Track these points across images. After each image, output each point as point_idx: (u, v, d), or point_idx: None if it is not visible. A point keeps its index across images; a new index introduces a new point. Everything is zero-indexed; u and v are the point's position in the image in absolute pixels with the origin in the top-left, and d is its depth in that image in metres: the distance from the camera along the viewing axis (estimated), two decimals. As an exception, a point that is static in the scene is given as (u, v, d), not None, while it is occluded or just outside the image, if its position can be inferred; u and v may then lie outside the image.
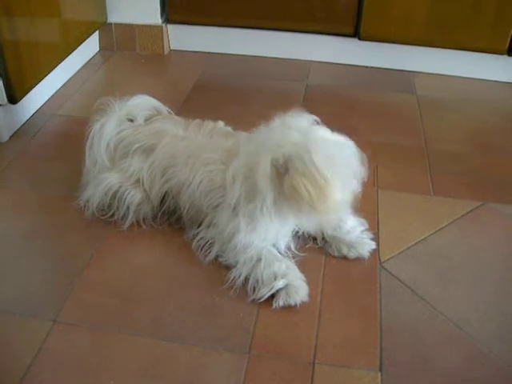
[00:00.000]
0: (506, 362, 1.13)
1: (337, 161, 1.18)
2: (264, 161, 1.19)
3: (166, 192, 1.41)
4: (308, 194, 1.15)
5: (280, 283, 1.23)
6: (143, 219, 1.44)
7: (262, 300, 1.24)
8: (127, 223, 1.43)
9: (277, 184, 1.19)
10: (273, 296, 1.24)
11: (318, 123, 1.26)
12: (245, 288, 1.26)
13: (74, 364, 1.11)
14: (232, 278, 1.27)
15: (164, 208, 1.43)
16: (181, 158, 1.37)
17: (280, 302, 1.23)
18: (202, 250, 1.34)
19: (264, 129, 1.26)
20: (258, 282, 1.25)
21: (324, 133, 1.22)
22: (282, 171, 1.18)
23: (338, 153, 1.19)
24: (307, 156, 1.15)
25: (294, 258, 1.33)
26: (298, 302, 1.23)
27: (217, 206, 1.32)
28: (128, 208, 1.42)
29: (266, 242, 1.30)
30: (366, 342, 1.17)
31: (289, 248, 1.34)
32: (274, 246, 1.31)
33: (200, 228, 1.36)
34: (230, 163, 1.29)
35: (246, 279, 1.26)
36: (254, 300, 1.24)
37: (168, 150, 1.39)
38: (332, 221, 1.35)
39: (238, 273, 1.27)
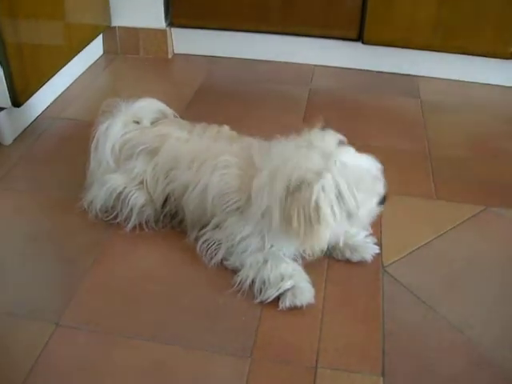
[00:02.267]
0: (509, 366, 1.13)
1: (347, 194, 1.18)
2: (280, 180, 1.20)
3: (168, 194, 1.41)
4: (298, 225, 1.18)
5: (287, 284, 1.24)
6: (146, 222, 1.44)
7: (268, 301, 1.24)
8: (130, 225, 1.43)
9: (283, 204, 1.20)
10: (278, 298, 1.24)
11: (343, 143, 1.25)
12: (251, 290, 1.26)
13: (76, 367, 1.12)
14: (239, 280, 1.27)
15: (166, 210, 1.43)
16: (184, 161, 1.37)
17: (286, 302, 1.23)
18: (207, 252, 1.34)
19: (290, 143, 1.26)
20: (264, 283, 1.25)
21: (347, 159, 1.20)
22: (290, 194, 1.19)
23: (353, 182, 1.19)
24: (315, 189, 1.16)
25: (297, 260, 1.32)
26: (304, 304, 1.23)
27: (231, 210, 1.31)
28: (131, 210, 1.42)
29: (276, 247, 1.30)
30: (369, 346, 1.17)
31: (297, 251, 1.34)
32: (283, 249, 1.31)
33: (205, 229, 1.35)
34: (247, 171, 1.30)
35: (253, 281, 1.26)
36: (261, 301, 1.24)
37: (171, 153, 1.40)
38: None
39: (245, 275, 1.27)
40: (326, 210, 1.17)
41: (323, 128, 1.27)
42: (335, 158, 1.19)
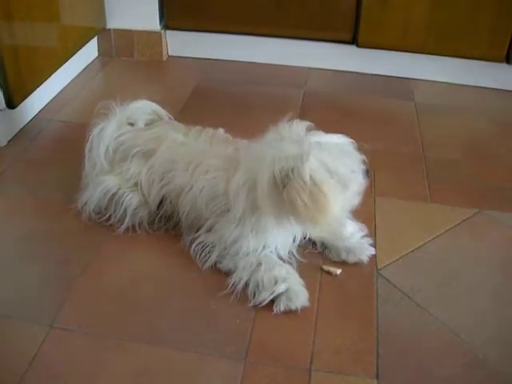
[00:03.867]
0: (502, 368, 1.13)
1: (334, 166, 1.19)
2: (262, 179, 1.20)
3: (163, 196, 1.41)
4: (305, 207, 1.17)
5: (281, 287, 1.23)
6: (139, 224, 1.43)
7: (262, 304, 1.23)
8: (123, 226, 1.43)
9: (276, 200, 1.20)
10: (272, 301, 1.24)
11: (312, 128, 1.25)
12: (245, 293, 1.26)
13: (70, 370, 1.11)
14: (232, 283, 1.27)
15: (161, 213, 1.43)
16: (180, 163, 1.37)
17: (281, 306, 1.22)
18: (200, 254, 1.33)
19: (261, 141, 1.26)
20: (258, 286, 1.25)
21: (319, 139, 1.22)
22: (281, 187, 1.18)
23: (334, 158, 1.20)
24: (303, 169, 1.16)
25: (291, 263, 1.32)
26: (299, 307, 1.23)
27: (220, 212, 1.31)
28: (125, 211, 1.42)
29: (269, 249, 1.30)
30: (363, 348, 1.17)
31: (291, 254, 1.35)
32: (276, 251, 1.31)
33: (199, 232, 1.35)
34: (231, 173, 1.30)
35: (246, 284, 1.26)
36: (254, 305, 1.24)
37: (167, 155, 1.40)
38: (333, 228, 1.35)
39: (238, 278, 1.27)
40: (324, 181, 1.17)
41: (289, 119, 1.27)
42: (308, 141, 1.20)
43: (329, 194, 1.18)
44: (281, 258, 1.32)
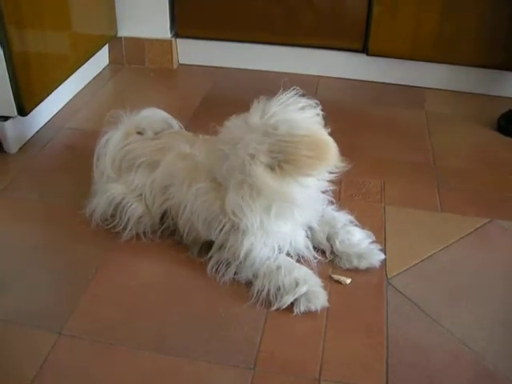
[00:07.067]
0: (513, 380, 1.12)
1: (299, 123, 1.26)
2: (259, 175, 1.20)
3: (165, 211, 1.41)
4: (309, 157, 1.20)
5: (303, 289, 1.23)
6: (144, 232, 1.43)
7: (284, 307, 1.24)
8: (125, 234, 1.43)
9: (279, 177, 1.21)
10: (291, 304, 1.24)
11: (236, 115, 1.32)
12: (258, 300, 1.26)
13: (78, 376, 1.11)
14: (256, 291, 1.27)
15: (164, 226, 1.43)
16: (178, 179, 1.37)
17: (301, 307, 1.23)
18: (218, 273, 1.32)
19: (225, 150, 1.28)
20: (279, 289, 1.25)
21: (266, 112, 1.32)
22: (277, 162, 1.21)
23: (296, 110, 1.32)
24: (278, 136, 1.21)
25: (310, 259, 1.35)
26: (319, 308, 1.23)
27: (227, 230, 1.30)
28: (128, 220, 1.42)
29: (285, 249, 1.31)
30: (372, 358, 1.16)
31: (307, 247, 1.36)
32: (292, 247, 1.33)
33: (211, 252, 1.35)
34: (222, 191, 1.29)
35: (268, 289, 1.26)
36: (278, 308, 1.24)
37: (168, 169, 1.39)
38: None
39: (261, 285, 1.26)
40: (314, 125, 1.29)
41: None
42: (256, 122, 1.31)
43: (321, 131, 1.26)
44: (298, 256, 1.34)
